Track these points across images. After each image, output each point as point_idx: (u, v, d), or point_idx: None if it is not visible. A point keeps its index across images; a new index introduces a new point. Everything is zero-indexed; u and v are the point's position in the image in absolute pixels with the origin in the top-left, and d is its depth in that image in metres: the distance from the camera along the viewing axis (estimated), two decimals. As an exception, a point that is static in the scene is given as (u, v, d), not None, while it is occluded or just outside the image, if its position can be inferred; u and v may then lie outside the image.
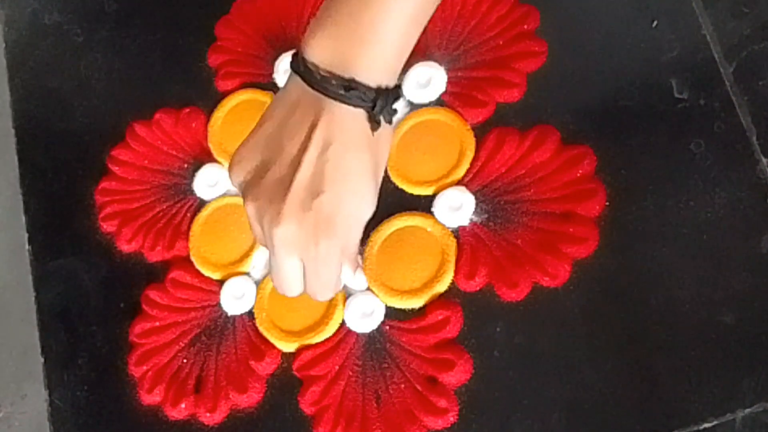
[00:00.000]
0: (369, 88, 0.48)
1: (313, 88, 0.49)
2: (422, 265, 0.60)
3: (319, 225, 0.49)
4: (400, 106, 0.64)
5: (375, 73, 0.48)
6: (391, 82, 0.49)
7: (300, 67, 0.49)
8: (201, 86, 0.70)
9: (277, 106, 0.51)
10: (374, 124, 0.49)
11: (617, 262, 0.55)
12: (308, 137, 0.49)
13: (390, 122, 0.50)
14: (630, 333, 0.54)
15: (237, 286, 0.64)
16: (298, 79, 0.50)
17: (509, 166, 0.60)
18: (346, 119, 0.49)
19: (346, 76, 0.48)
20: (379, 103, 0.48)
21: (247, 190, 0.51)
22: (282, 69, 0.68)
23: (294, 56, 0.51)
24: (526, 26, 0.62)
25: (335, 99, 0.48)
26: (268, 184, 0.50)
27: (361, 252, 0.60)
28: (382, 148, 0.51)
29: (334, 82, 0.48)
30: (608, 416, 0.53)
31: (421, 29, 0.50)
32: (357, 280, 0.59)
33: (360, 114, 0.49)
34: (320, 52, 0.49)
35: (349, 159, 0.49)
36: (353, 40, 0.48)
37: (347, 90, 0.48)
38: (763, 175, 0.54)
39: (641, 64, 0.58)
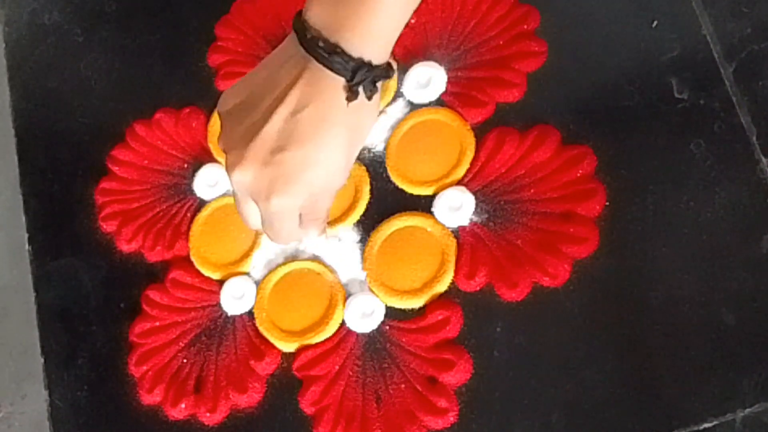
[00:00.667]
0: (351, 57, 0.49)
1: (302, 46, 0.50)
2: (422, 265, 0.60)
3: (274, 181, 0.50)
4: (399, 106, 0.64)
5: (360, 45, 0.49)
6: (376, 58, 0.50)
7: (297, 23, 0.51)
8: (201, 86, 0.70)
9: (273, 57, 0.53)
10: (351, 94, 0.49)
11: (617, 262, 0.55)
12: (285, 92, 0.50)
13: (370, 98, 0.51)
14: (630, 333, 0.54)
15: (237, 286, 0.64)
16: (294, 35, 0.51)
17: (509, 166, 0.60)
18: (324, 83, 0.49)
19: (332, 40, 0.49)
20: (359, 74, 0.49)
21: (224, 123, 0.53)
22: (282, 69, 0.68)
23: (297, 13, 0.52)
24: (526, 26, 0.62)
25: (318, 60, 0.49)
26: (241, 128, 0.51)
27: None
28: (361, 123, 0.52)
29: (321, 44, 0.49)
30: (608, 416, 0.53)
31: (411, 13, 0.51)
32: (322, 243, 0.60)
33: (338, 81, 0.49)
34: (317, 13, 0.50)
35: (320, 125, 0.50)
36: (348, 8, 0.49)
37: (329, 54, 0.49)
38: (763, 175, 0.54)
39: (641, 64, 0.58)
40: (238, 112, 0.52)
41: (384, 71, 0.51)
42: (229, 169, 0.52)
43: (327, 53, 0.49)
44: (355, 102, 0.50)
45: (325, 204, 0.55)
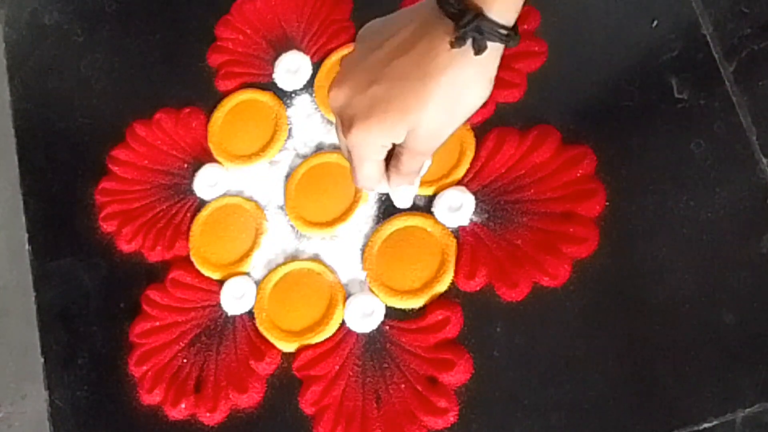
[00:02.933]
0: (462, 1, 0.47)
1: None
2: (422, 265, 0.60)
3: (360, 112, 0.49)
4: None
5: None
6: (492, 12, 0.47)
7: None
8: (201, 86, 0.70)
9: None
10: (455, 40, 0.46)
11: (617, 261, 0.55)
12: (400, 28, 0.49)
13: (477, 53, 0.47)
14: (630, 333, 0.54)
15: (237, 286, 0.64)
16: None
17: (509, 166, 0.60)
18: (434, 25, 0.47)
19: None
20: (465, 18, 0.46)
21: (354, 46, 0.52)
22: (282, 69, 0.68)
23: None
24: (526, 26, 0.62)
25: (437, 1, 0.48)
26: (358, 54, 0.50)
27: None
28: (463, 81, 0.48)
29: None
30: (608, 416, 0.53)
31: None
32: (399, 195, 0.55)
33: (448, 25, 0.47)
34: None
35: (418, 68, 0.47)
36: None
37: None
38: (763, 174, 0.54)
39: (641, 64, 0.58)
40: (365, 40, 0.51)
41: (497, 29, 0.47)
42: (330, 87, 0.50)
43: None
44: (460, 55, 0.47)
45: (409, 163, 0.51)
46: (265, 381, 0.61)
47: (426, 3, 0.49)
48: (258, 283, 0.64)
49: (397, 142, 0.49)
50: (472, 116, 0.61)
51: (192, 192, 0.68)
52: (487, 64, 0.48)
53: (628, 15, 0.60)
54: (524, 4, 0.48)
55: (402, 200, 0.55)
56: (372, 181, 0.52)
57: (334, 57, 0.67)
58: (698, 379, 0.52)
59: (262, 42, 0.70)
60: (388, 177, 0.53)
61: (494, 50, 0.47)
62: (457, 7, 0.46)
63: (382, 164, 0.52)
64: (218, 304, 0.64)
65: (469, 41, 0.46)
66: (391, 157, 0.51)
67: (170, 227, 0.67)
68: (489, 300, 0.57)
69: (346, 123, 0.50)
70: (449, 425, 0.56)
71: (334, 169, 0.64)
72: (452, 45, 0.46)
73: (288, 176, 0.66)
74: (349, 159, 0.52)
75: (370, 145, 0.50)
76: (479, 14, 0.46)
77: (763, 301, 0.52)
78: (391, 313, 0.60)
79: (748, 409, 0.51)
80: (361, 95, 0.49)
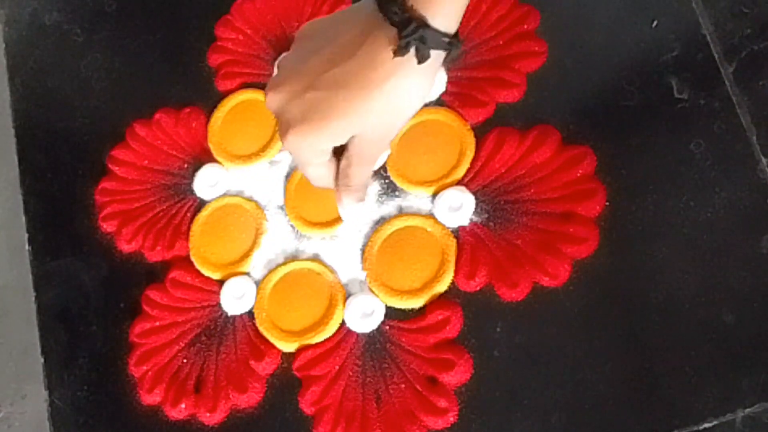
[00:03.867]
0: (406, 8, 0.46)
1: None
2: (422, 265, 0.60)
3: (296, 117, 0.48)
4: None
5: (424, 2, 0.46)
6: (436, 21, 0.47)
7: None
8: (201, 86, 0.70)
9: None
10: (398, 48, 0.46)
11: (617, 261, 0.55)
12: (341, 33, 0.48)
13: (420, 61, 0.47)
14: (630, 333, 0.54)
15: (237, 286, 0.64)
16: None
17: (509, 166, 0.60)
18: (377, 32, 0.47)
19: None
20: (409, 27, 0.46)
21: (293, 45, 0.51)
22: (282, 69, 0.68)
23: None
24: (526, 26, 0.62)
25: (378, 6, 0.47)
26: (296, 55, 0.50)
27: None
28: (405, 90, 0.48)
29: None
30: (608, 416, 0.53)
31: None
32: (345, 209, 0.54)
33: (391, 32, 0.47)
34: None
35: (359, 75, 0.47)
36: None
37: (388, 2, 0.46)
38: (763, 175, 0.54)
39: (641, 64, 0.58)
40: (305, 40, 0.50)
41: (440, 38, 0.47)
42: (267, 89, 0.50)
43: (386, 1, 0.46)
44: (403, 63, 0.46)
45: (355, 174, 0.51)
46: (265, 381, 0.61)
47: (367, 5, 0.48)
48: (258, 283, 0.64)
49: (338, 144, 0.49)
50: (472, 116, 0.62)
51: (192, 192, 0.68)
52: (429, 70, 0.48)
53: (628, 15, 0.60)
54: (465, 13, 0.48)
55: (351, 217, 0.56)
56: (324, 181, 0.52)
57: (334, 57, 0.67)
58: (698, 379, 0.52)
59: (262, 42, 0.70)
60: (338, 196, 0.53)
61: (436, 57, 0.47)
62: (401, 16, 0.46)
63: (329, 164, 0.51)
64: (218, 304, 0.64)
65: (413, 50, 0.46)
66: (338, 175, 0.51)
67: (170, 227, 0.67)
68: (489, 300, 0.57)
69: (283, 127, 0.49)
70: (449, 425, 0.56)
71: (334, 169, 0.64)
72: (395, 53, 0.46)
73: (288, 176, 0.66)
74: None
75: (306, 150, 0.49)
76: (423, 24, 0.46)
77: (763, 301, 0.52)
78: (391, 313, 0.60)
79: (748, 409, 0.51)
80: (298, 100, 0.48)
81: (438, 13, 0.47)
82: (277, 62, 0.52)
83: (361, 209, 0.55)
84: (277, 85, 0.49)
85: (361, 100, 0.47)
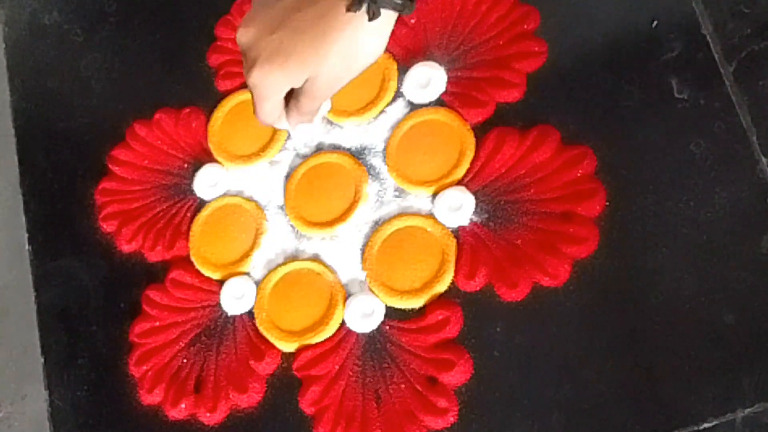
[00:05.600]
0: None
1: None
2: (422, 265, 0.60)
3: (263, 55, 0.52)
4: (399, 106, 0.64)
5: None
6: None
7: None
8: (201, 86, 0.70)
9: None
10: (351, 4, 0.50)
11: (617, 261, 0.55)
12: None
13: (370, 18, 0.51)
14: (630, 333, 0.54)
15: (237, 286, 0.64)
16: None
17: (509, 166, 0.60)
18: None
19: None
20: None
21: None
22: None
23: None
24: (526, 26, 0.62)
25: None
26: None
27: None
28: (356, 43, 0.52)
29: None
30: (608, 416, 0.53)
31: None
32: (297, 133, 0.61)
33: None
34: None
35: (317, 23, 0.51)
36: None
37: None
38: (763, 174, 0.54)
39: (641, 64, 0.58)
40: None
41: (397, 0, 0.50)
42: (240, 24, 0.54)
43: None
44: (355, 18, 0.50)
45: (308, 104, 0.55)
46: (265, 381, 0.61)
47: None
48: (258, 283, 0.64)
49: (296, 86, 0.53)
50: (473, 116, 0.62)
51: (192, 192, 0.68)
52: (381, 27, 0.51)
53: (628, 15, 0.60)
54: None
55: (301, 137, 0.61)
56: (272, 117, 0.56)
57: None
58: (698, 379, 0.52)
59: (262, 42, 0.70)
60: (288, 115, 0.57)
61: (388, 16, 0.51)
62: None
63: (282, 102, 0.55)
64: (218, 304, 0.64)
65: (365, 6, 0.50)
66: (291, 96, 0.55)
67: (170, 227, 0.67)
68: (489, 300, 0.57)
69: (249, 62, 0.53)
70: (449, 425, 0.56)
71: (334, 169, 0.64)
72: (348, 9, 0.50)
73: (288, 176, 0.66)
74: (252, 95, 0.55)
75: (268, 86, 0.53)
76: None
77: (763, 301, 0.52)
78: (391, 313, 0.60)
79: (748, 409, 0.51)
80: (266, 39, 0.52)
81: None
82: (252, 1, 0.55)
83: (310, 129, 0.61)
84: (248, 21, 0.53)
85: (317, 47, 0.51)
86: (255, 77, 0.53)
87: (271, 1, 0.53)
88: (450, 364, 0.56)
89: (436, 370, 0.57)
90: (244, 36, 0.54)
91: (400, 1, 0.50)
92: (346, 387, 0.59)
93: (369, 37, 0.52)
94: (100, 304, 0.68)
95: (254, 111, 0.56)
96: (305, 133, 0.61)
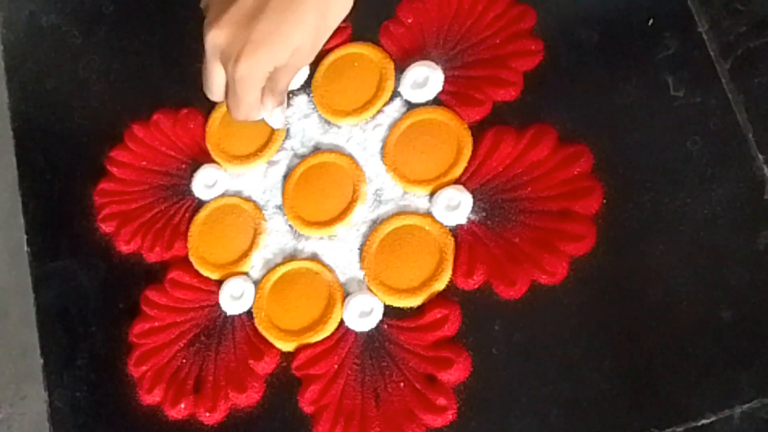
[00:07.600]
0: None
1: None
2: (420, 263, 0.60)
3: (246, 44, 0.54)
4: (396, 106, 0.64)
5: None
6: None
7: None
8: (199, 87, 0.70)
9: None
10: None
11: (615, 259, 0.56)
12: None
13: None
14: (628, 330, 0.54)
15: (236, 286, 0.64)
16: None
17: (506, 165, 0.60)
18: None
19: None
20: None
21: None
22: (279, 69, 0.68)
23: None
24: (522, 25, 0.62)
25: None
26: None
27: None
28: (328, 9, 0.55)
29: None
30: (607, 413, 0.53)
31: None
32: (275, 117, 0.62)
33: None
34: None
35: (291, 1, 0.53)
36: None
37: None
38: (760, 172, 0.54)
39: (637, 62, 0.59)
40: None
41: None
42: (206, 28, 0.55)
43: None
44: None
45: (285, 80, 0.58)
46: (264, 380, 0.61)
47: None
48: (257, 283, 0.64)
49: (281, 64, 0.55)
50: (470, 115, 0.62)
51: (190, 192, 0.68)
52: None
53: (624, 13, 0.60)
54: None
55: (279, 121, 0.62)
56: (254, 109, 0.58)
57: (332, 57, 0.67)
58: (696, 376, 0.52)
59: (259, 42, 0.70)
60: (264, 103, 0.59)
61: None
62: None
63: (261, 92, 0.57)
64: (217, 304, 0.64)
65: None
66: (264, 89, 0.57)
67: (169, 228, 0.67)
68: (487, 298, 0.58)
69: (232, 57, 0.54)
70: (448, 423, 0.56)
71: (332, 169, 0.65)
72: None
73: (286, 176, 0.66)
74: (232, 92, 0.57)
75: (257, 72, 0.55)
76: None
77: (761, 298, 0.52)
78: (389, 311, 0.60)
79: (746, 405, 0.51)
80: (244, 30, 0.54)
81: None
82: (202, 4, 0.56)
83: (282, 113, 0.62)
84: (217, 22, 0.55)
85: (295, 17, 0.54)
86: (244, 68, 0.54)
87: None
88: (449, 362, 0.56)
89: (434, 368, 0.57)
90: (219, 37, 0.55)
91: None
92: (345, 386, 0.59)
93: (337, 3, 0.55)
94: (99, 305, 0.68)
95: (235, 109, 0.57)
96: (281, 115, 0.62)
